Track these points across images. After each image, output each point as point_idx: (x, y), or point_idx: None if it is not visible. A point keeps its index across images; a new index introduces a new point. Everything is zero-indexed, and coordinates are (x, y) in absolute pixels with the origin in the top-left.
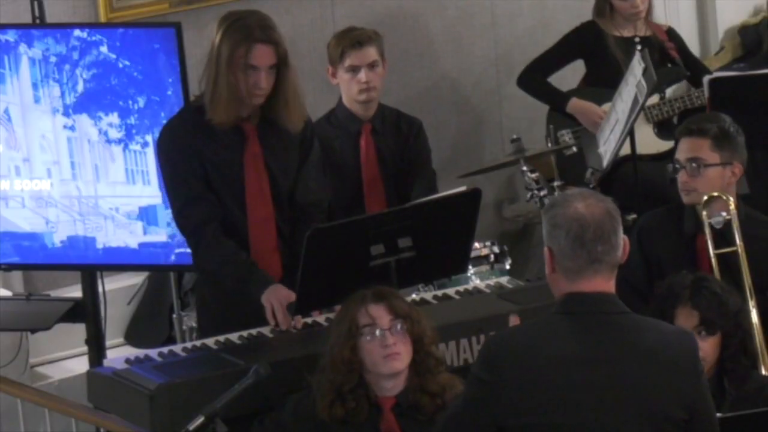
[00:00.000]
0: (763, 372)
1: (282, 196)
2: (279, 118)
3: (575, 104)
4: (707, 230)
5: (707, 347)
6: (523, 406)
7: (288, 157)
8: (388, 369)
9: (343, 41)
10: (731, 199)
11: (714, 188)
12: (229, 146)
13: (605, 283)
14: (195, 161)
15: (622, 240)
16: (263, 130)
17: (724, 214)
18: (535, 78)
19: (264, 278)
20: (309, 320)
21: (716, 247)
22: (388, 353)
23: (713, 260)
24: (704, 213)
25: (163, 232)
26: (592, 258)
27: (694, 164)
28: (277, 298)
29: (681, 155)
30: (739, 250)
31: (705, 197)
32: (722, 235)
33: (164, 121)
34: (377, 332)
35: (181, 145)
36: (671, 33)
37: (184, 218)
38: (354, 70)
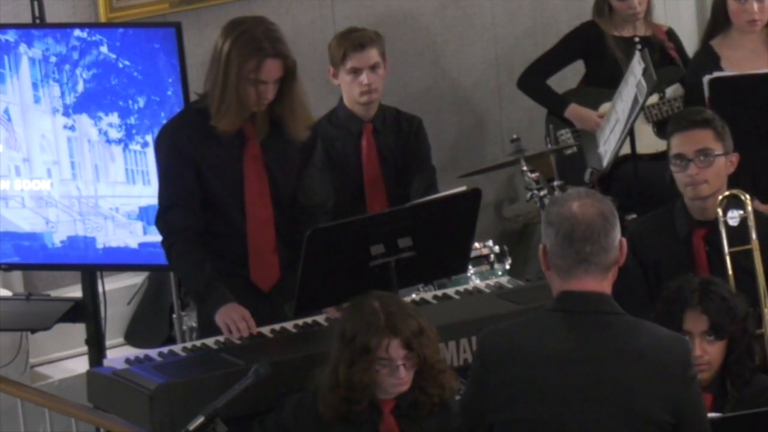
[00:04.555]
0: None
1: (282, 197)
2: (284, 127)
3: (573, 110)
4: (722, 228)
5: (714, 351)
6: (510, 401)
7: (288, 158)
8: (395, 392)
9: (344, 43)
10: (747, 196)
11: (721, 178)
12: (229, 148)
13: (597, 284)
14: (188, 166)
15: (618, 242)
16: (268, 131)
17: (740, 211)
18: (535, 81)
19: (221, 296)
20: (309, 320)
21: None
22: (398, 383)
23: (728, 260)
24: (719, 210)
25: None
26: (580, 258)
27: (702, 156)
28: (231, 317)
29: (687, 148)
30: (754, 249)
31: (720, 196)
32: (725, 234)
33: (164, 121)
34: (390, 367)
35: (176, 148)
36: (671, 33)
37: (163, 223)
38: (355, 72)
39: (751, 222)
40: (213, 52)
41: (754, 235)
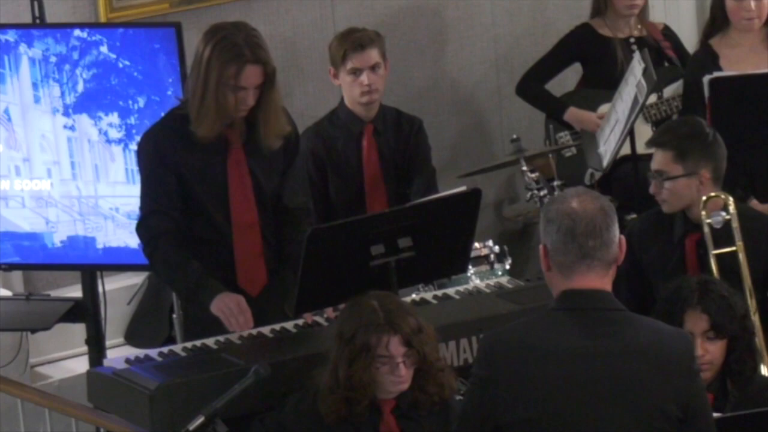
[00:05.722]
0: (764, 372)
1: (266, 201)
2: (257, 135)
3: (572, 114)
4: (706, 230)
5: (715, 350)
6: (518, 401)
7: (271, 161)
8: (395, 391)
9: (345, 43)
10: (731, 198)
11: (682, 199)
12: (212, 153)
13: (599, 280)
14: (170, 173)
15: (618, 238)
16: (246, 136)
17: (723, 213)
18: (533, 86)
19: (214, 287)
20: (308, 320)
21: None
22: (398, 381)
23: (713, 261)
24: (703, 213)
25: None
26: (583, 253)
27: (658, 176)
28: (226, 303)
29: (652, 165)
30: (739, 250)
31: (704, 197)
32: (711, 236)
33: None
34: (390, 365)
35: (158, 155)
36: (667, 31)
37: (143, 228)
38: (356, 72)
39: (735, 224)
40: (194, 57)
41: (737, 238)
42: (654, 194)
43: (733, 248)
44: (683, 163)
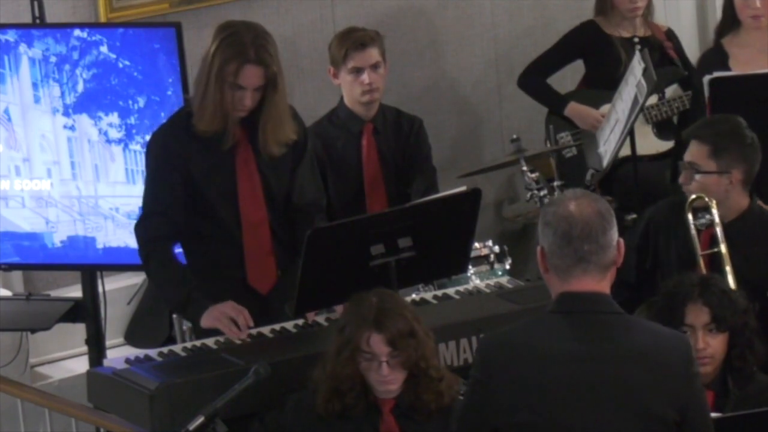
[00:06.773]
0: None
1: (276, 199)
2: (258, 138)
3: (573, 108)
4: (693, 232)
5: (716, 344)
6: (515, 405)
7: (280, 160)
8: (382, 391)
9: (345, 42)
10: (713, 201)
11: (709, 195)
12: (221, 151)
13: (596, 284)
14: (176, 173)
15: (615, 241)
16: (255, 134)
17: (708, 216)
18: (534, 79)
19: (201, 304)
20: (309, 320)
21: (710, 247)
22: (382, 380)
23: (701, 261)
24: (689, 215)
25: None
26: (578, 256)
27: (690, 168)
28: (221, 311)
29: (686, 155)
30: (723, 252)
31: (690, 198)
32: (713, 237)
33: (162, 122)
34: (374, 362)
35: (166, 154)
36: (670, 34)
37: (141, 228)
38: (357, 71)
39: (718, 226)
40: (204, 52)
41: (720, 240)
42: (682, 184)
43: (715, 250)
44: (717, 161)
